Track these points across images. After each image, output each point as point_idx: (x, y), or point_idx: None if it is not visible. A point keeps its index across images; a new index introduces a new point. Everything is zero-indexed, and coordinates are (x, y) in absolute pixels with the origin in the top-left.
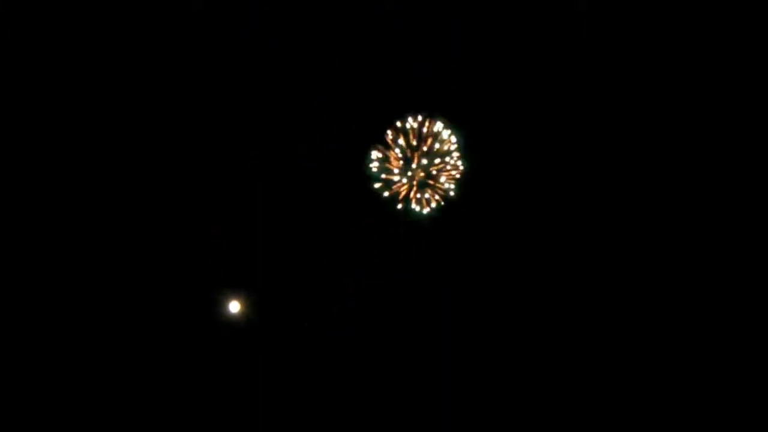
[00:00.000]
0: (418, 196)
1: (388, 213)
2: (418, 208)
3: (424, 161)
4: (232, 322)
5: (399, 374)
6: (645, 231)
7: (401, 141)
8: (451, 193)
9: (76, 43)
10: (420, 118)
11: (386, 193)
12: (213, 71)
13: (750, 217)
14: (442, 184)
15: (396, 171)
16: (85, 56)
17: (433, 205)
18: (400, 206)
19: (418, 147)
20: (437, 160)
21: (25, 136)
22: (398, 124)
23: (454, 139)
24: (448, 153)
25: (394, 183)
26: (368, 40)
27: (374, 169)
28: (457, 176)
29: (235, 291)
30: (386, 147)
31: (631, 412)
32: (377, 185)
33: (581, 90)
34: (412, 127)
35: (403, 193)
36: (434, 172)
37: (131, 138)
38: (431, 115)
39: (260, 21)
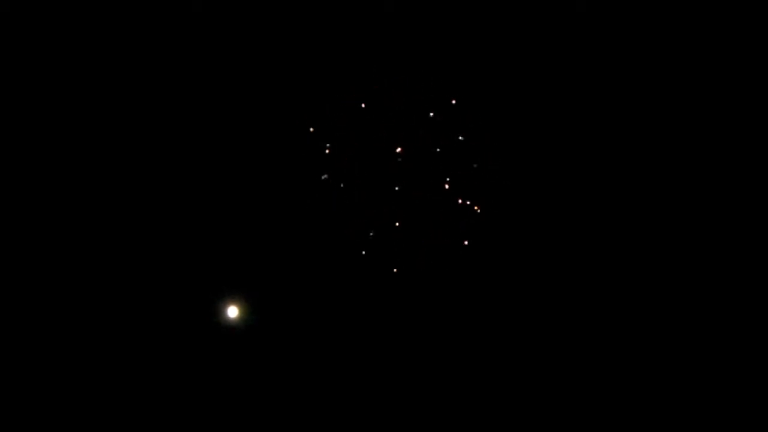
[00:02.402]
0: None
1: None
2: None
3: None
4: (230, 326)
5: (398, 374)
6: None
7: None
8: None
9: (77, 42)
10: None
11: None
12: (213, 71)
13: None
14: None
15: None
16: (85, 56)
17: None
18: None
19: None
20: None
21: (25, 135)
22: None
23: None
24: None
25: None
26: (368, 39)
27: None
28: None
29: (234, 295)
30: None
31: (632, 412)
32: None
33: (582, 92)
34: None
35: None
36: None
37: (131, 137)
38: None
39: (259, 21)
